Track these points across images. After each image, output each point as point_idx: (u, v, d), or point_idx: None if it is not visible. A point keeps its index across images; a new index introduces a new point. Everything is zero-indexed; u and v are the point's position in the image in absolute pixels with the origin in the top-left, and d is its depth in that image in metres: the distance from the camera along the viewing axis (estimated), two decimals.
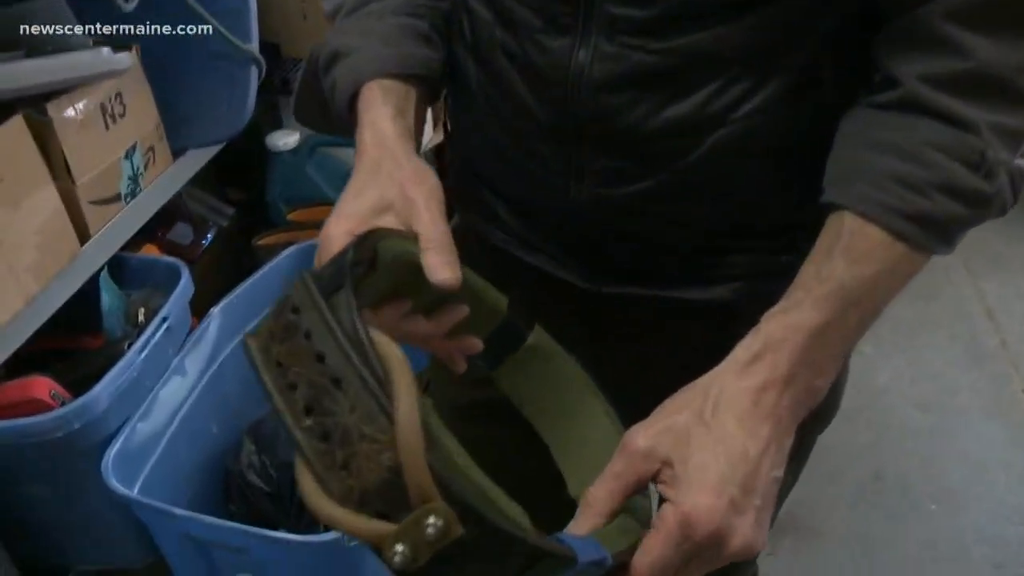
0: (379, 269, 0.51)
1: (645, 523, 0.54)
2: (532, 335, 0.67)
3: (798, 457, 0.75)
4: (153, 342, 1.29)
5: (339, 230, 0.55)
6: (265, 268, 1.55)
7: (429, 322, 0.60)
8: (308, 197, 1.82)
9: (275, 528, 1.28)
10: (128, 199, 1.41)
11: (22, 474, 1.25)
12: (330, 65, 0.67)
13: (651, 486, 0.55)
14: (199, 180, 1.96)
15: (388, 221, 0.57)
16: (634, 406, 0.80)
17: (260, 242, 1.80)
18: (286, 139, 1.78)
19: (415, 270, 0.54)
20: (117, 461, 1.19)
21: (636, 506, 0.54)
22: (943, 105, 0.53)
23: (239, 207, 1.88)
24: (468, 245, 0.82)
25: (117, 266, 1.42)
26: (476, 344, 0.64)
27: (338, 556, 1.15)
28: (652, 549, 0.48)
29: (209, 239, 1.78)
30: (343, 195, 0.59)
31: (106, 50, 1.22)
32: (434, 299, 0.60)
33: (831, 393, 0.82)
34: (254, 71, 1.48)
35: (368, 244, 0.50)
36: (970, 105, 0.53)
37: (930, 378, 2.07)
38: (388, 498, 0.37)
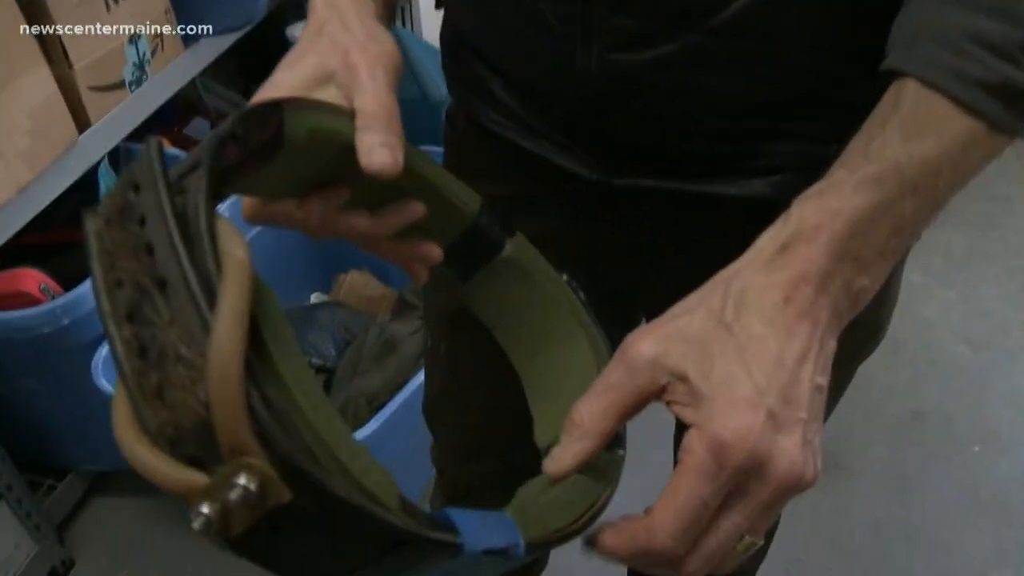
0: (292, 148, 0.42)
1: (608, 482, 0.45)
2: (510, 245, 0.56)
3: (835, 390, 0.64)
4: None
5: None
6: None
7: (371, 219, 0.51)
8: None
9: None
10: (133, 87, 1.34)
11: (15, 367, 1.22)
12: None
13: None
14: (222, 75, 1.89)
15: (329, 95, 0.47)
16: (643, 320, 0.71)
17: None
18: None
19: (350, 152, 0.44)
20: (109, 361, 1.14)
21: (597, 461, 0.44)
22: None
23: None
24: (459, 128, 0.73)
25: (121, 157, 1.36)
26: (433, 251, 0.54)
27: None
28: (679, 490, 0.39)
29: None
30: (279, 65, 0.49)
31: None
32: (382, 192, 0.50)
33: (876, 316, 0.72)
34: None
35: (265, 115, 0.40)
36: None
37: (982, 314, 1.96)
38: (203, 443, 0.29)
